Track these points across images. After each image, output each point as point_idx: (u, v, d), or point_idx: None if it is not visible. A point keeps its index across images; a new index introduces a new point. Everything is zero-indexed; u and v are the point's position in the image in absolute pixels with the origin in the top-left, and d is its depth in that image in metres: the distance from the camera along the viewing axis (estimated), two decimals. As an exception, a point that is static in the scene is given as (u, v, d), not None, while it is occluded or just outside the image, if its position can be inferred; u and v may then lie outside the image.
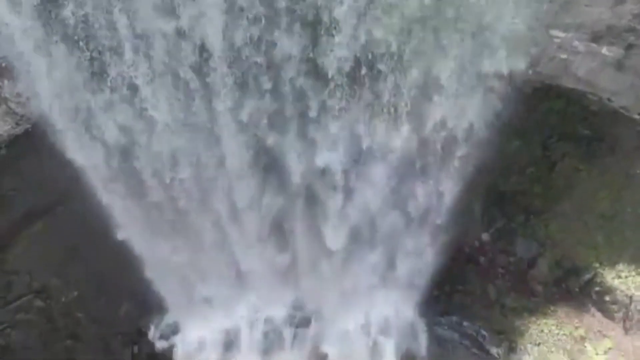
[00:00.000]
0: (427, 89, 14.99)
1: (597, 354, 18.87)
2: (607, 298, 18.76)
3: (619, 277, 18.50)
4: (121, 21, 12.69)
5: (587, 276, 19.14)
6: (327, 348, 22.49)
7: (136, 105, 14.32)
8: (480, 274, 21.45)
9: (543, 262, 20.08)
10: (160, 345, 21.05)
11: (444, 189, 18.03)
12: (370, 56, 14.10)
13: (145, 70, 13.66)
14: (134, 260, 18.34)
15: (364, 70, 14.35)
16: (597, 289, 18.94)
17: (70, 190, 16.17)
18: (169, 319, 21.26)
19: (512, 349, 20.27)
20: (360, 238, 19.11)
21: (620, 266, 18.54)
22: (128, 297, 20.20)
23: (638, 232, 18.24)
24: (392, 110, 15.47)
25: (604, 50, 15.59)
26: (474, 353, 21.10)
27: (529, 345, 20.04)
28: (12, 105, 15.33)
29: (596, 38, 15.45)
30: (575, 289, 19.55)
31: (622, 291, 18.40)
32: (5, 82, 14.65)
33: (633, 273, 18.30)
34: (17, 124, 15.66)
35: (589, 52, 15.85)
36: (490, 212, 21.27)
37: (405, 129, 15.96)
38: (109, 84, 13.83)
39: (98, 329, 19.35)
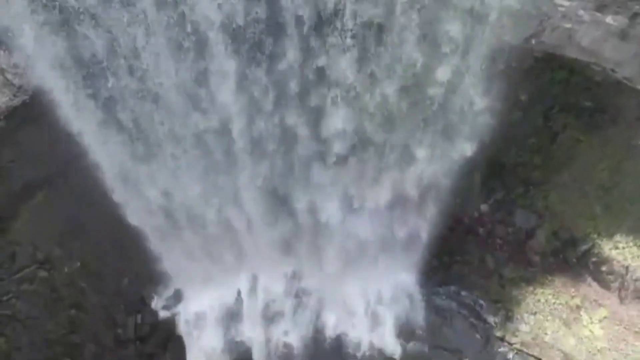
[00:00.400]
0: (405, 161, 18.18)
1: (592, 322, 19.17)
2: (604, 268, 18.92)
3: (617, 248, 18.61)
4: (162, 124, 15.31)
5: (585, 247, 19.26)
6: (327, 318, 22.90)
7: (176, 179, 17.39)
8: (479, 245, 21.56)
9: (541, 233, 20.15)
10: (163, 314, 21.33)
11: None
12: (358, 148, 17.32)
13: (184, 161, 16.61)
14: (135, 233, 18.49)
15: (353, 160, 17.65)
16: (594, 259, 19.08)
17: (70, 162, 16.16)
18: (171, 289, 21.52)
19: (508, 318, 20.57)
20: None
21: (618, 237, 18.63)
22: (130, 268, 20.41)
23: (637, 203, 18.29)
24: (375, 181, 18.76)
25: (609, 19, 15.35)
26: (471, 322, 21.43)
27: (525, 314, 20.33)
28: (9, 77, 15.20)
29: (601, 7, 15.18)
30: (573, 260, 19.68)
31: (618, 262, 18.55)
32: (1, 53, 14.46)
33: (631, 244, 18.41)
34: (14, 95, 15.55)
35: (594, 21, 15.61)
36: (490, 184, 21.27)
37: (386, 191, 19.14)
38: (154, 166, 16.69)
39: (101, 299, 19.62)
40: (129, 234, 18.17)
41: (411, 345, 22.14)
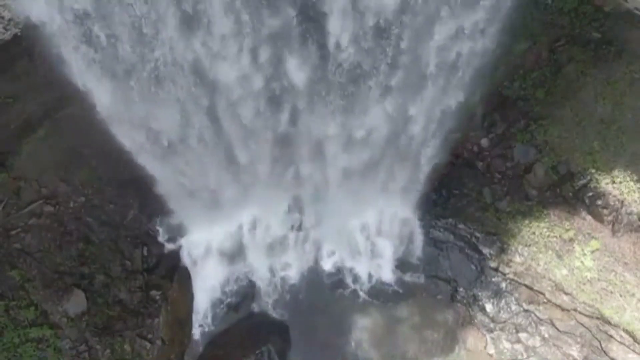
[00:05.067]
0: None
1: (584, 254, 19.67)
2: (599, 202, 19.16)
3: (614, 182, 18.79)
4: None
5: (582, 181, 19.40)
6: (327, 250, 23.50)
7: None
8: (477, 179, 21.70)
9: (540, 168, 20.21)
10: (168, 247, 21.76)
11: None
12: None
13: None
14: (136, 167, 18.61)
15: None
16: (590, 194, 19.28)
17: (68, 94, 15.93)
18: (174, 223, 21.91)
19: (503, 250, 21.03)
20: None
21: (616, 172, 18.75)
22: (134, 202, 20.72)
23: (635, 138, 18.23)
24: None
25: (623, -57, 14.57)
26: (467, 253, 21.95)
27: (520, 246, 20.77)
28: (-1, 10, 14.65)
29: None
30: (569, 194, 19.88)
31: (614, 196, 18.76)
32: (-15, -16, 13.88)
33: (627, 178, 18.56)
34: (5, 29, 15.04)
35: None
36: (491, 117, 21.12)
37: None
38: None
39: (108, 233, 19.96)
40: (130, 168, 18.30)
41: (408, 276, 22.90)
